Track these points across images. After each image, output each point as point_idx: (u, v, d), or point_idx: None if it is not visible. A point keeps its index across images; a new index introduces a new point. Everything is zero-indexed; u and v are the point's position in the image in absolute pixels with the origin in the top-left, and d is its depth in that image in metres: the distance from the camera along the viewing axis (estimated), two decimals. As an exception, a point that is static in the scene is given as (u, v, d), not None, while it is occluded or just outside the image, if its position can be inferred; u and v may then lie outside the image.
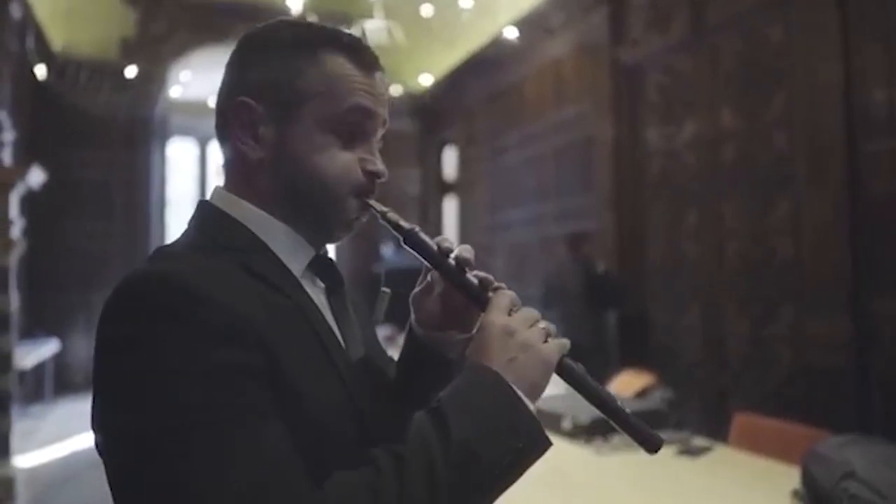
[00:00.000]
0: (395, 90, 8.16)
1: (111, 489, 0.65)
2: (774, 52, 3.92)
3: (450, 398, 0.68)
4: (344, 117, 0.77)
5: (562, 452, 2.26)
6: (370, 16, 5.27)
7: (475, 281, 0.78)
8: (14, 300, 4.41)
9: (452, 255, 0.78)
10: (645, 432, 0.73)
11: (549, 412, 2.41)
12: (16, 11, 5.02)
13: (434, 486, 0.62)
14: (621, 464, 2.12)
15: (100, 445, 0.65)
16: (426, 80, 7.57)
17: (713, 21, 4.36)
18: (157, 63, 7.31)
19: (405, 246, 0.79)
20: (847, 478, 1.55)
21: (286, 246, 0.78)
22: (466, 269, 0.78)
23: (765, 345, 3.95)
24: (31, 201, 5.29)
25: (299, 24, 0.81)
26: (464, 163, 8.27)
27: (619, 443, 2.23)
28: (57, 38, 6.90)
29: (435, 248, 0.79)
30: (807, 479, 1.68)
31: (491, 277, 0.79)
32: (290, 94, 0.76)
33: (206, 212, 0.80)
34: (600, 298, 4.80)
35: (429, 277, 0.84)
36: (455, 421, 0.65)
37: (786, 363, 3.80)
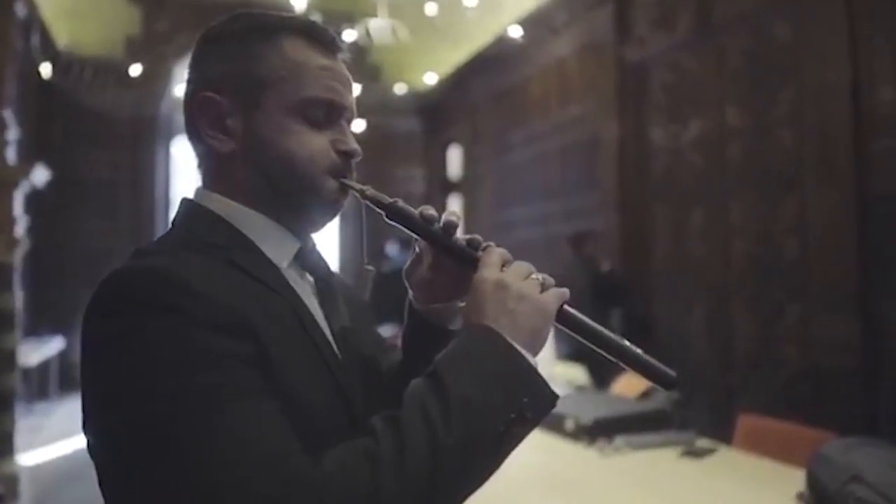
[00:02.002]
0: (400, 89, 8.16)
1: (104, 491, 0.64)
2: (781, 51, 3.89)
3: (444, 359, 0.67)
4: (308, 105, 0.76)
5: (564, 454, 2.24)
6: (374, 15, 5.26)
7: (463, 243, 0.77)
8: (18, 298, 4.41)
9: (439, 223, 0.77)
10: (658, 370, 0.71)
11: (552, 413, 2.39)
12: (21, 10, 5.02)
13: (435, 447, 0.60)
14: (624, 465, 2.10)
15: (92, 446, 0.64)
16: (430, 79, 7.57)
17: (719, 19, 4.34)
18: (161, 61, 7.31)
19: (388, 221, 0.78)
20: (853, 481, 1.53)
21: (270, 239, 0.77)
22: (453, 233, 0.77)
23: (771, 345, 3.93)
24: (35, 199, 5.30)
25: (255, 14, 0.80)
26: (468, 162, 8.25)
27: (623, 444, 2.21)
28: (62, 37, 6.91)
29: (418, 216, 0.77)
30: (812, 481, 1.66)
31: (479, 238, 0.77)
32: (251, 83, 0.75)
33: (187, 209, 0.79)
34: (605, 297, 4.78)
35: (417, 249, 0.83)
36: (451, 379, 0.64)
37: (793, 363, 3.78)
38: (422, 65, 7.66)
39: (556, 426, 2.37)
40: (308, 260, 0.82)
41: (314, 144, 0.76)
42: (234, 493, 0.56)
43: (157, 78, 7.33)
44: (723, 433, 2.60)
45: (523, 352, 0.68)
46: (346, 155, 0.78)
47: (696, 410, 4.01)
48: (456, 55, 7.57)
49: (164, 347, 0.60)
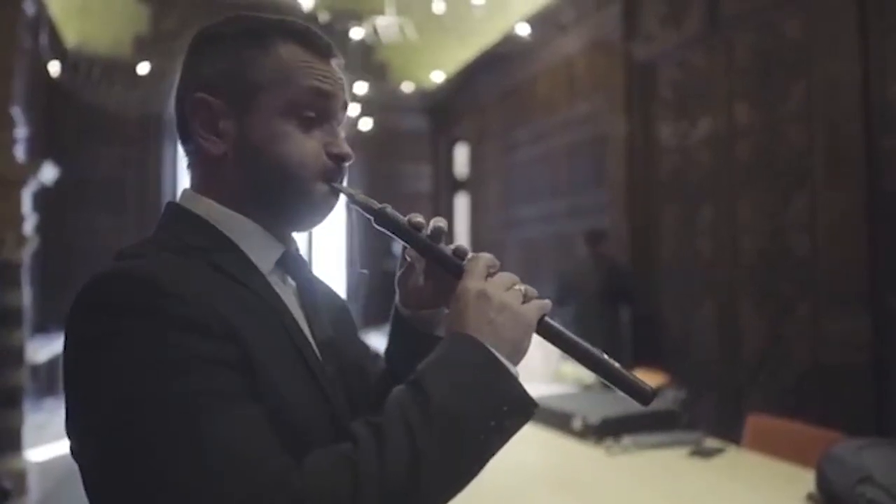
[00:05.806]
0: (407, 87, 8.15)
1: (88, 495, 0.64)
2: (791, 47, 3.87)
3: (426, 366, 0.67)
4: (301, 101, 0.76)
5: (572, 453, 2.23)
6: (382, 12, 5.25)
7: (449, 251, 0.77)
8: (27, 295, 4.43)
9: (427, 230, 0.78)
10: (635, 384, 0.71)
11: (559, 412, 2.38)
12: (29, 8, 5.03)
13: (415, 455, 0.60)
14: (632, 465, 2.09)
15: (75, 450, 0.64)
16: (438, 77, 7.54)
17: (728, 15, 4.31)
18: (169, 60, 7.30)
19: (377, 226, 0.78)
20: (864, 482, 1.51)
21: (254, 243, 0.77)
22: (440, 241, 0.77)
23: (780, 342, 3.91)
24: (43, 197, 5.31)
25: (250, 17, 0.80)
26: (475, 160, 8.23)
27: (630, 443, 2.20)
28: (70, 35, 6.94)
29: (406, 223, 0.78)
30: (822, 482, 1.65)
31: (465, 247, 0.78)
32: (245, 85, 0.75)
33: (172, 212, 0.79)
34: (616, 294, 4.78)
35: (408, 257, 0.83)
36: (433, 387, 0.64)
37: (802, 361, 3.75)
38: (429, 63, 7.65)
39: (564, 425, 2.36)
40: (290, 264, 0.82)
41: (306, 148, 0.76)
42: (211, 500, 0.56)
43: (165, 76, 7.30)
44: (731, 432, 2.58)
45: (504, 361, 0.68)
46: (338, 158, 0.78)
47: (705, 408, 4.00)
48: (463, 53, 7.54)
49: (143, 352, 0.60)
